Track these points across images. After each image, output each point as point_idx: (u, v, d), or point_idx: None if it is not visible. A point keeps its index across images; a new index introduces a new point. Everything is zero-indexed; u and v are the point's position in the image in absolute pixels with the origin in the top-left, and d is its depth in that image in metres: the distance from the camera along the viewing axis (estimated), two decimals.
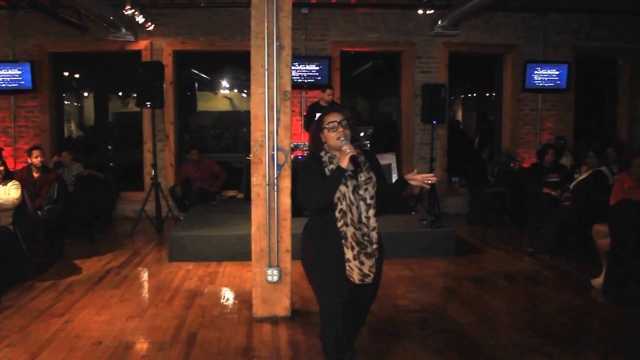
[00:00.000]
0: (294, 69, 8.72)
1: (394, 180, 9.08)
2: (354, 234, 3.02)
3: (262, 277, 4.84)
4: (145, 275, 6.35)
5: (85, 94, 12.74)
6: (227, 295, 5.57)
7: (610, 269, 5.49)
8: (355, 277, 3.03)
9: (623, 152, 8.62)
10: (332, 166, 3.09)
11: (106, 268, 6.53)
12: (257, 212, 4.80)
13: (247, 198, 6.66)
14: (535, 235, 7.42)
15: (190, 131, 11.92)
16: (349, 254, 3.02)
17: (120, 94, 12.54)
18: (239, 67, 11.77)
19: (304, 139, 9.21)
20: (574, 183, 7.24)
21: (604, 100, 11.64)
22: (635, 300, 5.21)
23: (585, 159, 7.46)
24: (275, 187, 4.75)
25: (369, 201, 3.06)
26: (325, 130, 3.11)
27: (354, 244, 3.01)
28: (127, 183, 10.40)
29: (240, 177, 9.67)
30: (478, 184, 9.39)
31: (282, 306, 4.88)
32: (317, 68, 9.64)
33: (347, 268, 3.03)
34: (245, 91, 12.16)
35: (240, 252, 6.58)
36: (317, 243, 3.17)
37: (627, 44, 10.53)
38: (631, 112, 10.86)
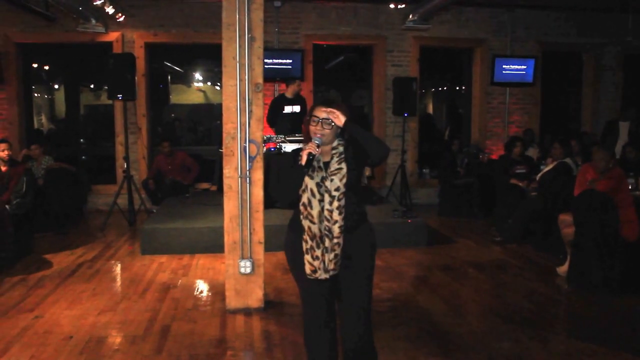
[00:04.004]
0: (266, 62, 8.72)
1: (367, 172, 9.18)
2: (309, 228, 2.95)
3: (235, 269, 4.87)
4: (117, 269, 6.32)
5: (56, 86, 12.59)
6: (200, 288, 5.59)
7: (574, 257, 5.63)
8: (307, 270, 2.97)
9: (586, 144, 8.82)
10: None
11: (78, 262, 6.49)
12: (230, 205, 4.83)
13: (220, 190, 6.68)
14: (503, 225, 7.56)
15: (163, 124, 11.87)
16: (303, 247, 2.98)
17: (92, 86, 12.43)
18: (212, 60, 11.75)
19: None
20: (539, 174, 7.40)
21: (568, 94, 11.87)
22: (597, 287, 5.36)
23: (551, 150, 7.63)
24: (248, 179, 4.77)
25: (333, 193, 2.94)
26: (310, 121, 3.02)
27: (308, 238, 2.95)
28: (99, 176, 10.32)
29: (213, 169, 9.67)
30: (448, 175, 9.50)
31: (255, 298, 4.92)
32: (290, 61, 9.65)
33: (304, 261, 3.00)
34: (218, 84, 12.14)
35: (213, 245, 6.59)
36: (289, 234, 3.15)
37: (590, 40, 10.79)
38: (594, 106, 11.11)
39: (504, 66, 10.31)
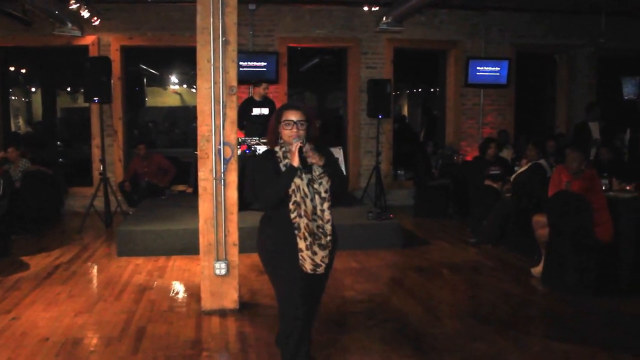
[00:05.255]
0: (241, 65, 8.72)
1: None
2: (307, 225, 3.09)
3: (210, 271, 4.90)
4: (94, 271, 6.32)
5: (33, 89, 12.51)
6: (176, 289, 5.61)
7: (549, 258, 5.70)
8: (307, 267, 3.12)
9: (561, 146, 8.91)
10: (286, 161, 3.13)
11: (55, 264, 6.47)
12: (205, 206, 4.86)
13: (196, 192, 6.70)
14: (477, 226, 7.63)
15: (139, 126, 11.84)
16: (301, 244, 3.10)
17: (68, 89, 12.36)
18: (187, 63, 11.75)
19: None
20: (514, 175, 7.47)
21: (543, 95, 12.03)
22: (571, 288, 5.43)
23: (525, 152, 7.73)
24: (222, 181, 4.81)
25: (323, 194, 3.14)
26: (281, 125, 3.15)
27: (307, 234, 3.09)
28: (76, 178, 10.27)
29: (189, 171, 9.67)
30: (423, 177, 9.58)
31: (230, 299, 4.95)
32: (265, 63, 9.68)
33: (300, 258, 3.10)
34: (194, 87, 12.12)
35: (189, 246, 6.60)
36: (272, 234, 3.23)
37: (563, 41, 10.95)
38: (568, 107, 11.27)
39: (477, 68, 10.42)
